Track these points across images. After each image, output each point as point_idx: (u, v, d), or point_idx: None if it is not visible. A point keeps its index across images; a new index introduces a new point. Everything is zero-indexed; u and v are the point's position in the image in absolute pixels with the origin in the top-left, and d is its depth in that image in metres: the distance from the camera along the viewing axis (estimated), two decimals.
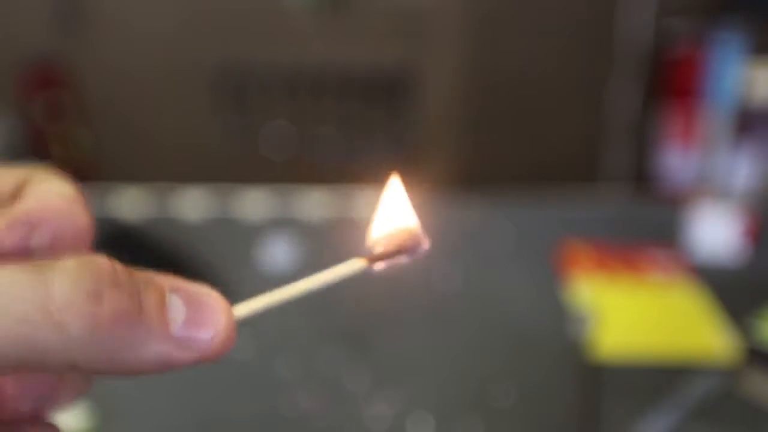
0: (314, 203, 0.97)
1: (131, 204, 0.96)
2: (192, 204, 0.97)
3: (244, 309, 0.20)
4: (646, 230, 0.90)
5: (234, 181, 1.18)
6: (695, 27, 1.64)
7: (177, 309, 0.18)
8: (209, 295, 0.19)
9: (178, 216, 0.94)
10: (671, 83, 1.68)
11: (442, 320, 0.72)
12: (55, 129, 1.90)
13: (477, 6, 1.73)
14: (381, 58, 1.81)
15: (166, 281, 0.19)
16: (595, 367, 0.64)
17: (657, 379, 0.63)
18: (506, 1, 1.74)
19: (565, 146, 1.80)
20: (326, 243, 0.85)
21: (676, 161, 1.69)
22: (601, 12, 1.70)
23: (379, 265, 0.20)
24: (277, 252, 0.82)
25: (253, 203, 0.97)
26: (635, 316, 0.73)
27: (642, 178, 1.77)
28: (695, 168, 1.65)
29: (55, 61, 1.84)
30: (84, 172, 1.94)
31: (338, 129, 1.88)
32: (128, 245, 0.85)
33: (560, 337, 0.69)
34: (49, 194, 0.21)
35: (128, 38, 1.83)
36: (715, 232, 0.83)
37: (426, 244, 0.21)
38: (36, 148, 1.91)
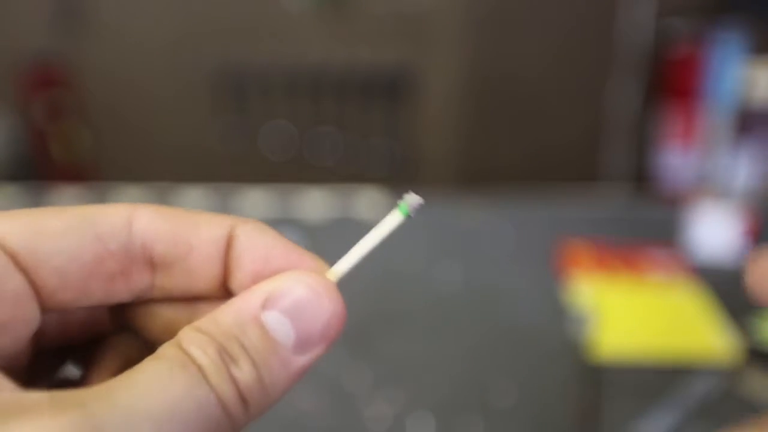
0: (314, 203, 0.97)
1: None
2: (192, 204, 0.97)
3: (342, 265, 0.20)
4: (646, 230, 0.90)
5: (234, 181, 1.18)
6: (695, 27, 1.64)
7: (283, 329, 0.17)
8: (299, 287, 0.18)
9: None
10: (671, 83, 1.68)
11: (442, 320, 0.72)
12: (55, 129, 1.90)
13: (477, 6, 1.73)
14: (381, 58, 1.81)
15: (256, 297, 0.17)
16: (595, 367, 0.64)
17: (657, 379, 0.63)
18: (506, 2, 1.74)
19: (565, 146, 1.80)
20: (326, 243, 0.85)
21: (676, 161, 1.69)
22: (601, 12, 1.70)
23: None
24: None
25: (253, 203, 0.97)
26: (635, 316, 0.73)
27: (642, 178, 1.77)
28: (695, 168, 1.64)
29: (55, 61, 1.84)
30: (84, 172, 1.94)
31: (338, 129, 1.88)
32: None
33: (560, 337, 0.69)
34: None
35: (128, 38, 1.84)
36: (715, 232, 0.83)
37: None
38: (36, 148, 1.91)
